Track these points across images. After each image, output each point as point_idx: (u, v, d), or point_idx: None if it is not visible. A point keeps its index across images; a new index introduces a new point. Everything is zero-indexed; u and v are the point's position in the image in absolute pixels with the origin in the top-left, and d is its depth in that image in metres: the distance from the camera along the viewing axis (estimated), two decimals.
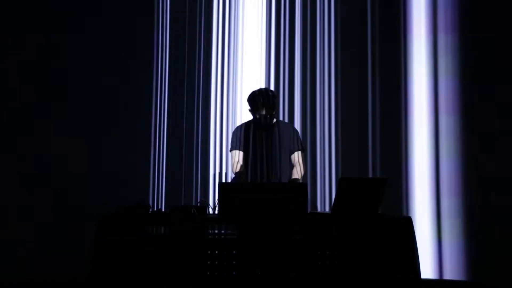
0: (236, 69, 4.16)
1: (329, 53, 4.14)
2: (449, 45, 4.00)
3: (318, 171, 4.03)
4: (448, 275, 3.80)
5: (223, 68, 4.15)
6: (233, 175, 3.25)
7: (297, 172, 3.10)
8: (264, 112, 2.98)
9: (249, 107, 3.08)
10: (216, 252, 2.37)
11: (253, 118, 3.12)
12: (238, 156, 3.10)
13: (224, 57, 4.14)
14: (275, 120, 3.14)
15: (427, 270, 3.76)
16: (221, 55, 4.15)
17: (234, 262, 2.37)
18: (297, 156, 3.11)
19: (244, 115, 3.96)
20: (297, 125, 4.03)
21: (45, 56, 3.98)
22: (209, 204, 2.60)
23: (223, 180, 3.98)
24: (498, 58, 3.87)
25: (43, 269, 3.71)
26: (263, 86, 3.91)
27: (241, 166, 3.10)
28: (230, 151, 3.17)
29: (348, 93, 4.10)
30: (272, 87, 4.00)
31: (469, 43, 3.96)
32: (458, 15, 4.01)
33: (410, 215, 3.75)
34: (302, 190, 2.41)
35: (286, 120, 3.95)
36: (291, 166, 3.13)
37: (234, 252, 2.37)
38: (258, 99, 3.00)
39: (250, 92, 3.13)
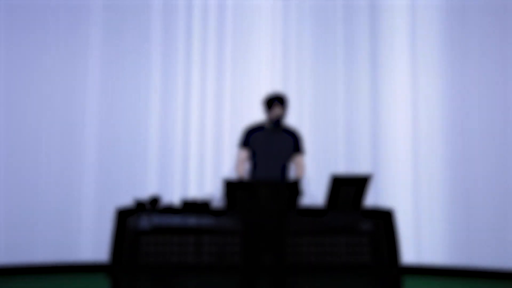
0: (238, 71, 4.48)
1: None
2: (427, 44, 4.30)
3: (314, 168, 4.36)
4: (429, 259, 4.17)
5: (231, 69, 4.48)
6: (235, 171, 3.52)
7: (299, 172, 3.39)
8: (278, 111, 3.26)
9: (264, 107, 3.34)
10: (221, 240, 2.67)
11: (265, 119, 3.38)
12: (242, 154, 3.36)
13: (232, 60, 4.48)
14: (284, 123, 3.39)
15: (409, 255, 4.13)
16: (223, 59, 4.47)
17: (237, 249, 2.68)
18: (300, 158, 3.39)
19: (246, 115, 4.31)
20: (294, 124, 4.32)
21: None
22: (214, 197, 2.86)
23: (222, 176, 4.28)
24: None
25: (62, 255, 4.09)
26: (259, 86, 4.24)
27: (243, 167, 3.36)
28: (238, 147, 3.41)
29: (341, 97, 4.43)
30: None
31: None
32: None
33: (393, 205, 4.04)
34: (297, 186, 2.68)
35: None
36: (294, 166, 3.42)
37: (237, 240, 2.68)
38: (274, 100, 3.27)
39: (265, 94, 3.39)
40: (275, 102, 3.25)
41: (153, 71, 4.45)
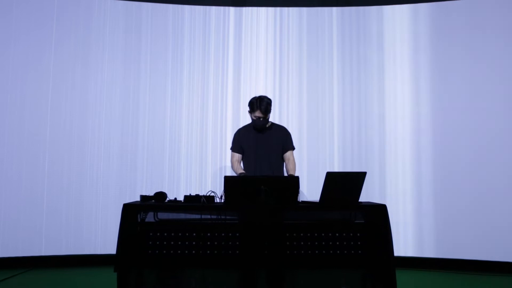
0: (239, 77, 4.64)
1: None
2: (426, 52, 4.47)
3: (309, 166, 4.50)
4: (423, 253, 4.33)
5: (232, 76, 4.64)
6: (233, 171, 3.64)
7: (291, 168, 3.49)
8: (258, 114, 3.37)
9: (248, 109, 3.46)
10: (222, 234, 2.81)
11: (251, 121, 3.50)
12: (235, 157, 3.52)
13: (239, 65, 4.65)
14: (270, 123, 3.52)
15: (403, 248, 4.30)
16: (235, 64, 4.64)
17: (237, 243, 2.82)
18: (290, 154, 3.52)
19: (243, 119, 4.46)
20: (292, 126, 4.47)
21: None
22: (216, 194, 2.96)
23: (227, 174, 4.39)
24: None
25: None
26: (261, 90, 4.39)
27: (239, 166, 3.49)
28: (231, 150, 3.58)
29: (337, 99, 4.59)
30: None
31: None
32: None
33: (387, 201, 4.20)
34: (294, 182, 2.80)
35: (283, 122, 4.39)
36: (284, 162, 3.53)
37: (237, 234, 2.82)
38: (255, 104, 3.38)
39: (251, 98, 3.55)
40: (254, 104, 3.37)
41: (155, 73, 4.58)
